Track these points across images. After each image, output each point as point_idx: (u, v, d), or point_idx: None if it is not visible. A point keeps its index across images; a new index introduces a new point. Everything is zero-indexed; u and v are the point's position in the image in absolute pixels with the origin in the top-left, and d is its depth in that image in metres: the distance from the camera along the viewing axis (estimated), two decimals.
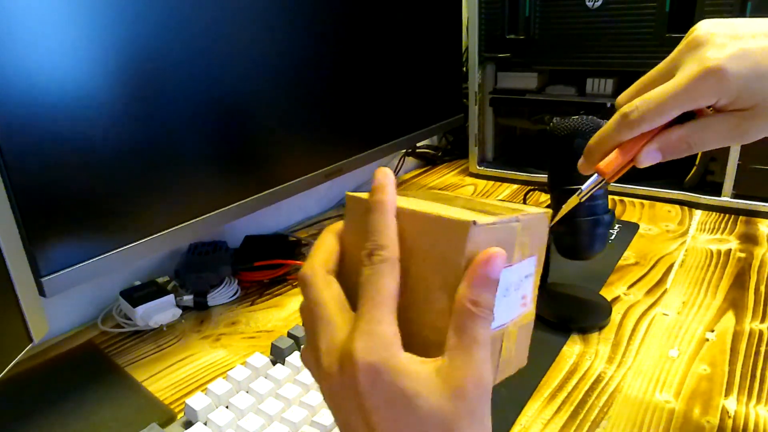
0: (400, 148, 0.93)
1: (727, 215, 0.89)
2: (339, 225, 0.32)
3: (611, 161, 0.40)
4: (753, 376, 0.53)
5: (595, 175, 0.41)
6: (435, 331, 0.28)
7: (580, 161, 0.42)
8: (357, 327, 0.27)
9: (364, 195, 0.31)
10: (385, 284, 0.27)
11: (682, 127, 0.38)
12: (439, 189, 0.39)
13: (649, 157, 0.39)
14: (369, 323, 0.27)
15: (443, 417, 0.26)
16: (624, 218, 0.90)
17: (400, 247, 0.28)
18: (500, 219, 0.28)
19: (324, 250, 0.31)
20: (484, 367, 0.26)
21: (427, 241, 0.28)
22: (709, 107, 0.37)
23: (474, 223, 0.26)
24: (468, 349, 0.26)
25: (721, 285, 0.69)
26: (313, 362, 0.29)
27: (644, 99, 0.37)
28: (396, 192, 0.30)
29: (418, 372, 0.26)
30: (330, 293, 0.29)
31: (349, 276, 0.31)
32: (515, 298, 0.31)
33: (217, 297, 0.71)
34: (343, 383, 0.27)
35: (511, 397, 0.51)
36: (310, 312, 0.29)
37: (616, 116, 0.39)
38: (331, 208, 1.04)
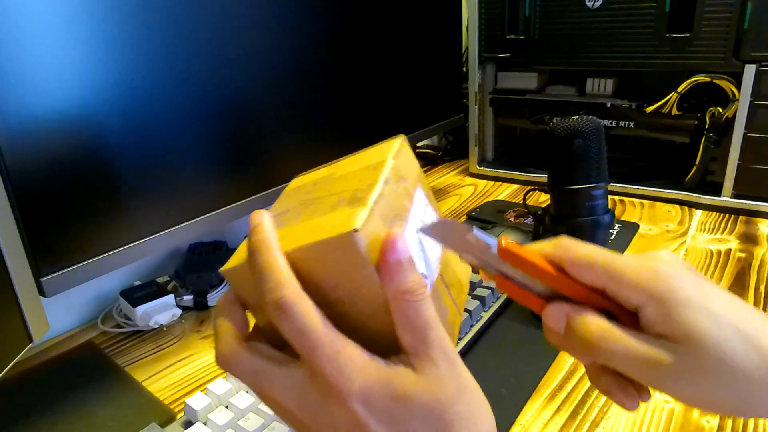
0: None
1: (727, 215, 0.89)
2: (228, 295, 0.30)
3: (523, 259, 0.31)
4: None
5: (494, 241, 0.31)
6: (385, 337, 0.27)
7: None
8: (317, 370, 0.25)
9: (239, 262, 0.29)
10: (308, 324, 0.25)
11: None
12: (306, 174, 0.37)
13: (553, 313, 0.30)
14: (329, 360, 0.25)
15: (433, 407, 0.26)
16: (624, 218, 0.90)
17: (307, 286, 0.27)
18: (372, 195, 0.27)
19: (230, 323, 0.29)
20: (444, 346, 0.27)
21: (328, 269, 0.27)
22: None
23: (354, 231, 0.25)
24: (424, 339, 0.26)
25: (721, 285, 0.69)
26: (294, 425, 0.28)
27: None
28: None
29: (397, 375, 0.26)
30: (261, 357, 0.28)
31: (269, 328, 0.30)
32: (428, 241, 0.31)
33: (217, 297, 0.71)
34: (335, 423, 0.26)
35: (511, 396, 0.51)
36: (255, 384, 0.28)
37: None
38: None
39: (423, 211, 0.31)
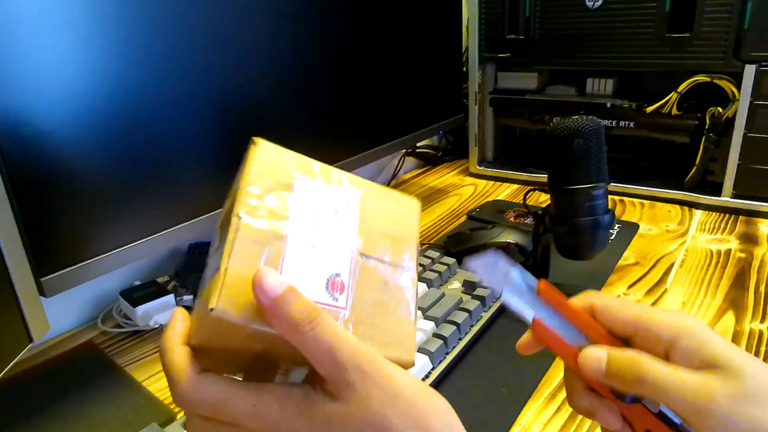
0: (400, 148, 0.93)
1: (727, 215, 0.89)
2: (170, 334, 0.30)
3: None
4: None
5: (534, 281, 0.33)
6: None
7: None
8: (248, 428, 0.27)
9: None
10: (214, 401, 0.27)
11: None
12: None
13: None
14: (251, 419, 0.26)
15: (362, 428, 0.26)
16: (624, 218, 0.90)
17: (228, 351, 0.29)
18: (226, 254, 0.26)
19: (181, 359, 0.29)
20: (358, 363, 0.26)
21: (230, 337, 0.28)
22: None
23: (210, 310, 0.25)
24: (334, 364, 0.26)
25: (721, 285, 0.69)
26: None
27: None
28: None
29: (317, 407, 0.26)
30: (223, 383, 0.28)
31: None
32: (328, 242, 0.29)
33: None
34: None
35: (511, 397, 0.51)
36: (220, 409, 0.28)
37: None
38: None
39: (313, 196, 0.30)
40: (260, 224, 0.27)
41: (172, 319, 0.30)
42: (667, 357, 0.29)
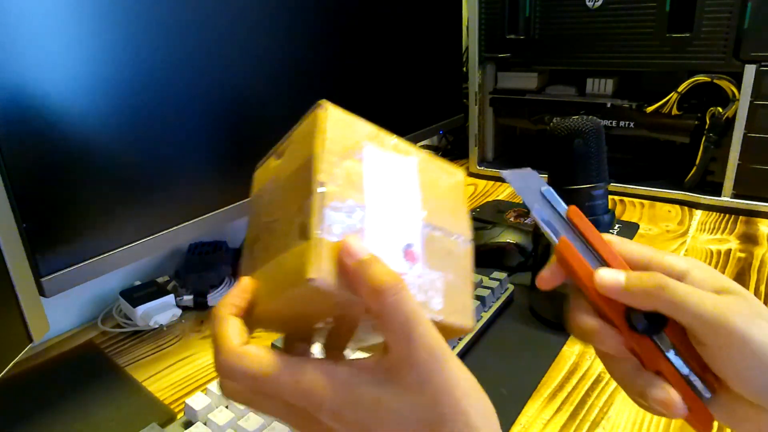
0: None
1: (727, 215, 0.89)
2: (227, 301, 0.29)
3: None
4: None
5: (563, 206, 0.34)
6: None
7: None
8: (290, 403, 0.27)
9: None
10: (257, 373, 0.26)
11: None
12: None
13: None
14: (292, 394, 0.26)
15: (410, 411, 0.25)
16: (624, 218, 0.90)
17: (290, 322, 0.29)
18: (315, 223, 0.25)
19: (231, 328, 0.28)
20: (429, 344, 0.25)
21: (308, 307, 0.27)
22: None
23: (309, 280, 0.24)
24: (407, 338, 0.25)
25: None
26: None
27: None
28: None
29: (367, 385, 0.26)
30: (261, 362, 0.27)
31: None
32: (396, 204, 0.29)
33: (217, 297, 0.71)
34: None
35: (511, 397, 0.51)
36: (254, 388, 0.27)
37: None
38: None
39: (382, 164, 0.29)
40: (341, 193, 0.27)
41: (235, 288, 0.29)
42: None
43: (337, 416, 0.26)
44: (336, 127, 0.28)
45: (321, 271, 0.25)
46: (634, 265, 0.31)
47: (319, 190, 0.26)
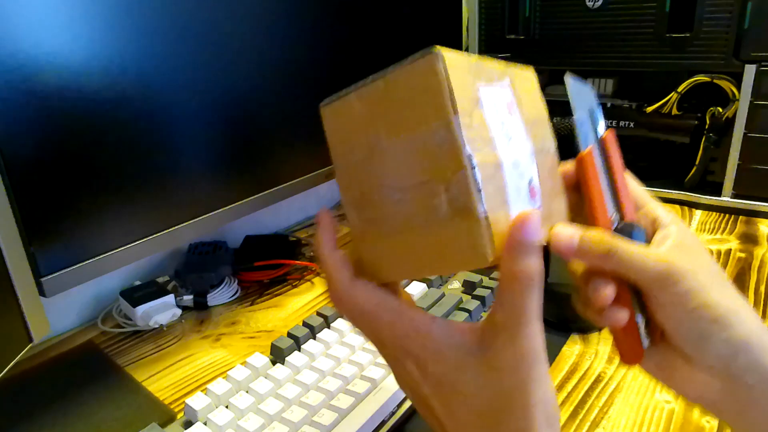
0: None
1: (727, 215, 0.89)
2: (327, 243, 0.31)
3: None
4: None
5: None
6: None
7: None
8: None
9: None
10: (366, 308, 0.29)
11: None
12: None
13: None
14: (390, 328, 0.29)
15: (489, 396, 0.26)
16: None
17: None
18: (473, 196, 0.24)
19: (339, 265, 0.30)
20: (533, 341, 0.26)
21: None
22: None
23: (485, 259, 0.24)
24: (513, 325, 0.26)
25: None
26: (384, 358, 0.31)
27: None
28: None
29: (455, 348, 0.27)
30: (374, 295, 0.29)
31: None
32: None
33: (217, 297, 0.71)
34: (402, 375, 0.30)
35: None
36: (364, 319, 0.30)
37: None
38: (331, 208, 1.04)
39: (494, 103, 0.27)
40: (484, 158, 0.25)
41: (320, 228, 0.31)
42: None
43: (421, 366, 0.28)
44: (457, 80, 0.25)
45: (494, 249, 0.25)
46: (636, 205, 0.34)
47: (472, 163, 0.24)
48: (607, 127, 0.34)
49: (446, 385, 0.27)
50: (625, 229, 0.32)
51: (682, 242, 0.31)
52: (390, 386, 0.50)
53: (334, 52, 0.74)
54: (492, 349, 0.26)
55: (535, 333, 0.26)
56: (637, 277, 0.30)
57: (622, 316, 0.31)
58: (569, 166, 0.34)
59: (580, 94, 0.34)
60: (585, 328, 0.61)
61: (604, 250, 0.30)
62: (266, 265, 0.75)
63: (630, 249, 0.30)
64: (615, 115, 0.96)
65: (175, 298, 0.67)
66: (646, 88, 1.00)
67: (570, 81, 0.34)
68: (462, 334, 0.27)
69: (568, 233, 0.31)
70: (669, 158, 1.00)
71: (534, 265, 0.25)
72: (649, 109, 0.93)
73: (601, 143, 0.33)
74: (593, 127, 0.34)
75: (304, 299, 0.72)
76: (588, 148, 0.33)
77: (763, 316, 0.62)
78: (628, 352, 0.32)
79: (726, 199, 0.89)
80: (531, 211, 0.26)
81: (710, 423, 0.48)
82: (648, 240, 0.32)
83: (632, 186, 0.34)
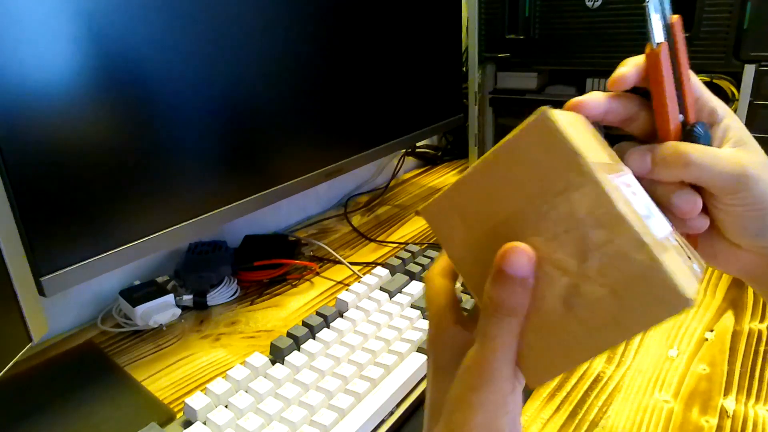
0: (400, 148, 0.93)
1: None
2: (441, 266, 0.31)
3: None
4: (752, 376, 0.53)
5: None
6: None
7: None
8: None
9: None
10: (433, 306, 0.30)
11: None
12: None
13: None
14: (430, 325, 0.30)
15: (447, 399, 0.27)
16: None
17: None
18: (648, 232, 0.23)
19: (443, 301, 0.30)
20: (489, 365, 0.26)
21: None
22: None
23: (689, 300, 0.22)
24: (479, 342, 0.26)
25: (720, 284, 0.69)
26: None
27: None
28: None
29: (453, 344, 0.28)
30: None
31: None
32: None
33: (216, 297, 0.71)
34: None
35: None
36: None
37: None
38: (331, 208, 1.04)
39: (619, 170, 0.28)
40: (632, 209, 0.25)
41: (438, 259, 0.31)
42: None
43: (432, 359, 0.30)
44: (578, 134, 0.26)
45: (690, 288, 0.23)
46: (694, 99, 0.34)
47: (631, 219, 0.24)
48: (671, 11, 0.32)
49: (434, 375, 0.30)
50: (693, 133, 0.31)
51: (741, 138, 0.31)
52: (390, 386, 0.50)
53: (335, 52, 0.74)
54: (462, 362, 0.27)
55: (494, 365, 0.26)
56: (710, 183, 0.30)
57: (705, 222, 0.31)
58: (638, 61, 0.33)
59: None
60: None
61: (680, 164, 0.30)
62: (266, 264, 0.75)
63: (703, 157, 0.30)
64: None
65: (175, 297, 0.67)
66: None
67: None
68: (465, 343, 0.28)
69: (640, 151, 0.31)
70: None
71: (506, 298, 0.25)
72: None
73: (670, 30, 0.32)
74: (663, 13, 0.31)
75: (303, 299, 0.72)
76: (660, 44, 0.31)
77: (763, 315, 0.62)
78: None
79: None
80: (519, 245, 0.25)
81: (709, 422, 0.48)
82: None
83: (696, 82, 0.34)
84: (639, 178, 0.31)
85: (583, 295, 0.24)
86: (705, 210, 0.32)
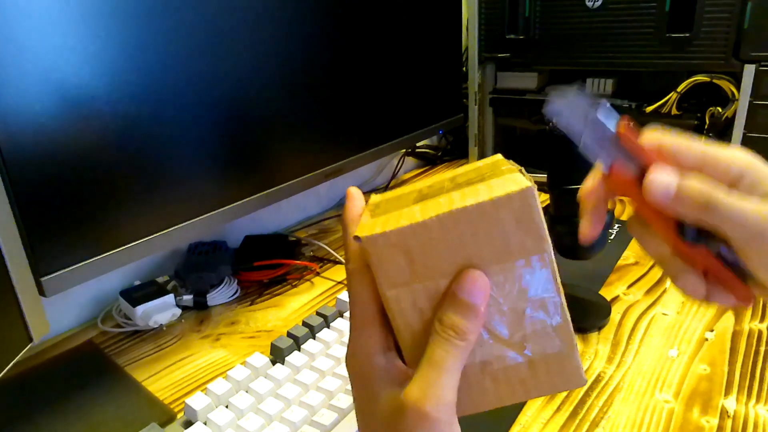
0: (400, 148, 0.93)
1: None
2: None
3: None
4: (752, 376, 0.53)
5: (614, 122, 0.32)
6: None
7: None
8: (349, 337, 0.30)
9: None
10: (354, 294, 0.29)
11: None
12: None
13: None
14: (351, 332, 0.30)
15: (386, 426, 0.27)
16: (624, 218, 0.90)
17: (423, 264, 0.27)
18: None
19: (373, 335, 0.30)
20: (436, 390, 0.26)
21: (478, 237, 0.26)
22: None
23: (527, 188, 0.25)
24: (427, 367, 0.26)
25: None
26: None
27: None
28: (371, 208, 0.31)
29: (387, 374, 0.28)
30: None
31: None
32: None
33: (216, 297, 0.71)
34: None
35: None
36: None
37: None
38: (331, 208, 1.04)
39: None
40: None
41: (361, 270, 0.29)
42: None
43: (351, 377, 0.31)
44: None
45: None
46: (689, 168, 0.30)
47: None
48: (618, 115, 0.31)
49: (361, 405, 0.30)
50: (686, 236, 0.30)
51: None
52: None
53: (335, 53, 0.74)
54: (409, 387, 0.27)
55: (441, 384, 0.26)
56: (731, 234, 0.28)
57: (702, 293, 0.30)
58: (593, 184, 0.32)
59: (570, 113, 0.30)
60: (585, 328, 0.61)
61: (704, 201, 0.27)
62: (266, 264, 0.75)
63: (731, 202, 0.27)
64: None
65: (175, 298, 0.67)
66: (646, 88, 1.00)
67: (552, 108, 0.30)
68: (399, 372, 0.29)
69: (665, 180, 0.28)
70: None
71: (458, 322, 0.26)
72: (649, 109, 0.93)
73: (619, 141, 0.30)
74: (604, 141, 0.30)
75: (303, 299, 0.72)
76: (610, 165, 0.30)
77: (763, 315, 0.62)
78: (740, 297, 0.30)
79: None
80: (480, 273, 0.26)
81: (709, 422, 0.48)
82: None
83: (681, 147, 0.30)
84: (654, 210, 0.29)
85: (502, 358, 0.28)
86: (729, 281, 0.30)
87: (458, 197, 0.27)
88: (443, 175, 0.33)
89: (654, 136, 0.31)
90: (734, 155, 0.29)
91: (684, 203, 0.28)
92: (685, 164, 0.30)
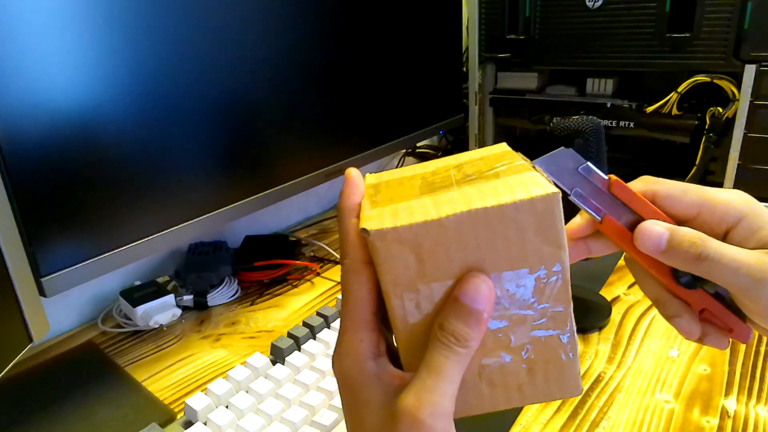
0: (400, 148, 0.93)
1: None
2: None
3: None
4: (753, 376, 0.53)
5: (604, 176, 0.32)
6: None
7: None
8: (338, 337, 0.28)
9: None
10: (349, 292, 0.27)
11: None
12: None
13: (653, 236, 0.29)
14: (341, 333, 0.28)
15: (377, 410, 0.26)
16: None
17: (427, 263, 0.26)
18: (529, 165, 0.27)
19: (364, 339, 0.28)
20: (433, 397, 0.25)
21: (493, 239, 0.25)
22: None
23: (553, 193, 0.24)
24: (425, 373, 0.26)
25: None
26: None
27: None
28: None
29: (379, 381, 0.27)
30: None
31: None
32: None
33: (217, 297, 0.71)
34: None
35: None
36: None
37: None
38: (331, 208, 1.04)
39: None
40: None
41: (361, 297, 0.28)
42: (725, 236, 0.29)
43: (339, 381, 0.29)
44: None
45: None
46: (681, 215, 0.30)
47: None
48: (606, 171, 0.31)
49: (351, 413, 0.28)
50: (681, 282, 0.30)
51: (764, 240, 0.28)
52: None
53: (335, 53, 0.74)
54: (406, 391, 0.26)
55: (440, 391, 0.25)
56: (724, 283, 0.28)
57: (697, 334, 0.31)
58: (581, 223, 0.32)
59: (559, 167, 0.30)
60: (585, 328, 0.61)
61: (696, 253, 0.28)
62: (266, 265, 0.75)
63: (723, 253, 0.27)
64: (615, 115, 0.96)
65: (175, 298, 0.67)
66: (646, 88, 1.00)
67: (541, 165, 0.30)
68: (392, 378, 0.27)
69: (657, 231, 0.29)
70: (669, 158, 1.00)
71: (460, 328, 0.25)
72: (649, 109, 0.93)
73: (611, 190, 0.30)
74: (594, 186, 0.30)
75: (304, 299, 0.72)
76: (603, 218, 0.30)
77: None
78: (737, 334, 0.31)
79: None
80: (484, 276, 0.25)
81: (710, 422, 0.48)
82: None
83: (674, 198, 0.31)
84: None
85: (501, 363, 0.27)
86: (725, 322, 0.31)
87: (475, 195, 0.25)
88: (446, 160, 0.32)
89: (648, 186, 0.31)
90: (732, 198, 0.29)
91: (676, 255, 0.28)
92: (681, 210, 0.30)
